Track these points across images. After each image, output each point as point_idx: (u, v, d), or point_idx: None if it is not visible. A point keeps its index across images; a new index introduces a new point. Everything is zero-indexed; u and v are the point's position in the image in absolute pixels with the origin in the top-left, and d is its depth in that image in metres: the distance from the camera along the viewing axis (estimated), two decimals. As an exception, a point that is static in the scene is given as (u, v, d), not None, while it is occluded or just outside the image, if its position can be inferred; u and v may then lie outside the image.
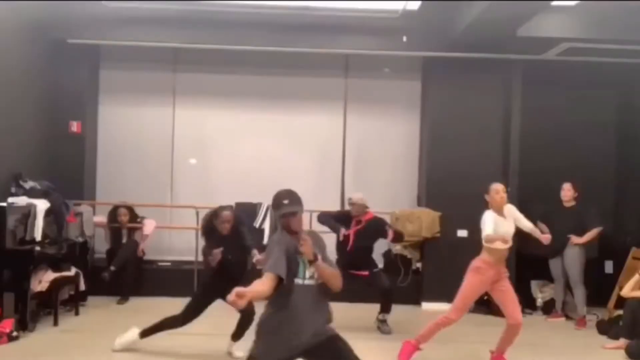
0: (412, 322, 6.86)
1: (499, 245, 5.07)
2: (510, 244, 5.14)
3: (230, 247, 5.38)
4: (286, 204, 3.52)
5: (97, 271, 7.36)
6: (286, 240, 3.51)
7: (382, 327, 6.60)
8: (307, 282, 3.49)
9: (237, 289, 3.12)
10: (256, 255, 5.39)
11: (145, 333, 5.50)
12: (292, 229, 3.55)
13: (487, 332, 6.71)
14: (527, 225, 5.36)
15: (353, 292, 7.34)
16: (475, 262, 5.23)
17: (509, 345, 5.26)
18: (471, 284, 5.22)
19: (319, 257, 3.49)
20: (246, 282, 5.20)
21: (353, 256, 6.49)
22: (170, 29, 7.84)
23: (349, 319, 6.95)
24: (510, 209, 5.27)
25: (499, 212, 5.15)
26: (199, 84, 8.70)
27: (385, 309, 6.63)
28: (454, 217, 7.88)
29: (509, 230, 5.14)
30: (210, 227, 5.49)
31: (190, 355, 5.49)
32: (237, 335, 5.52)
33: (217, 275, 5.40)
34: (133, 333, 5.53)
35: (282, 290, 3.40)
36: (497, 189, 5.20)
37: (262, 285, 3.33)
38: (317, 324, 3.55)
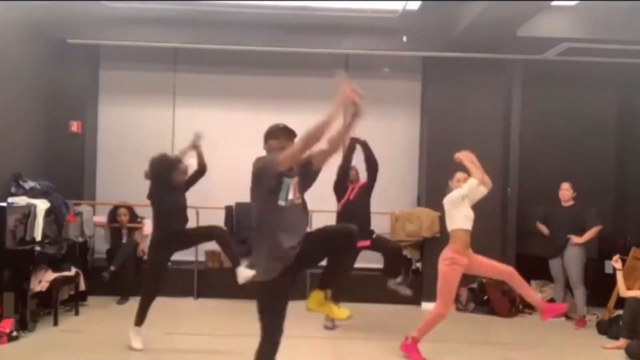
0: (412, 322, 6.86)
1: (463, 226, 5.35)
2: (469, 225, 5.40)
3: (179, 195, 5.76)
4: (283, 126, 3.75)
5: (97, 271, 7.36)
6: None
7: (401, 288, 6.51)
8: (288, 204, 3.57)
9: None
10: None
11: (137, 321, 5.56)
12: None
13: (487, 331, 6.73)
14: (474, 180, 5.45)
15: (354, 293, 7.38)
16: (447, 254, 5.40)
17: (532, 291, 5.56)
18: (450, 277, 5.41)
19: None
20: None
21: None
22: (170, 29, 7.84)
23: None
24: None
25: None
26: (199, 84, 8.70)
27: (396, 273, 6.50)
28: (454, 217, 7.88)
29: (469, 212, 5.41)
30: (163, 174, 5.67)
31: (190, 355, 5.48)
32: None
33: (164, 233, 5.61)
34: (133, 333, 5.53)
35: (271, 211, 3.53)
36: (459, 178, 5.53)
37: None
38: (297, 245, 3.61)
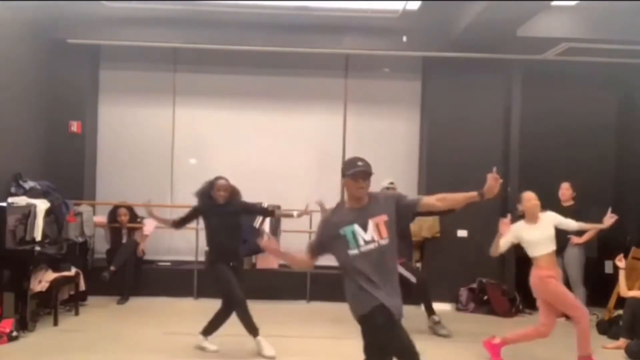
0: (412, 322, 6.86)
1: (540, 252, 5.30)
2: (550, 248, 5.33)
3: (224, 216, 5.55)
4: (360, 165, 3.49)
5: (97, 271, 7.36)
6: (337, 214, 3.57)
7: (438, 328, 6.44)
8: (363, 249, 3.42)
9: (272, 246, 3.65)
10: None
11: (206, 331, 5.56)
12: (357, 194, 3.48)
13: (487, 331, 6.73)
14: (572, 226, 5.60)
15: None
16: (540, 273, 5.33)
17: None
18: (554, 289, 5.30)
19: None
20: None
21: None
22: (170, 29, 7.85)
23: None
24: (548, 216, 5.43)
25: (531, 219, 5.35)
26: (199, 84, 8.70)
27: (428, 310, 6.55)
28: (454, 217, 7.83)
29: (539, 236, 5.31)
30: (206, 195, 5.60)
31: (190, 355, 5.47)
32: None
33: (216, 253, 5.55)
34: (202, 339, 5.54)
35: (343, 264, 3.51)
36: (528, 197, 5.39)
37: (300, 255, 3.70)
38: (388, 289, 3.46)
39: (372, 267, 3.41)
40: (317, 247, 3.61)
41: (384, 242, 3.45)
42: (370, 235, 3.43)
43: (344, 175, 3.51)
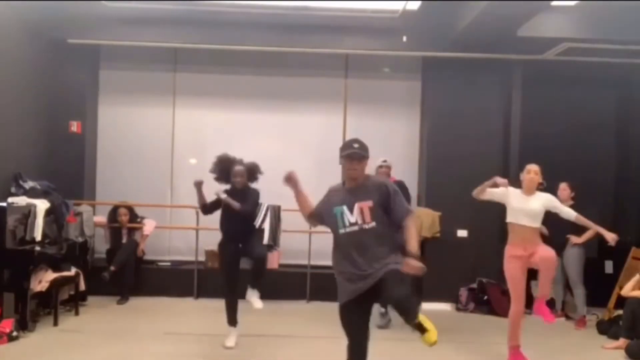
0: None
1: (516, 220, 5.23)
2: (533, 225, 5.23)
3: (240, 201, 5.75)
4: (355, 147, 3.75)
5: (97, 271, 7.36)
6: (335, 191, 3.91)
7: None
8: (348, 230, 3.68)
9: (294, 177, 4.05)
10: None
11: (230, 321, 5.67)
12: (350, 175, 3.78)
13: (487, 331, 6.73)
14: (569, 214, 5.39)
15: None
16: (508, 251, 5.34)
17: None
18: (507, 271, 5.36)
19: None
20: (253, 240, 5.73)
21: None
22: (170, 29, 7.85)
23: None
24: (544, 196, 5.34)
25: (527, 191, 5.31)
26: (199, 84, 8.70)
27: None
28: (454, 217, 7.88)
29: (528, 208, 5.23)
30: (226, 173, 5.82)
31: (190, 355, 5.48)
32: (253, 282, 5.68)
33: (225, 237, 5.70)
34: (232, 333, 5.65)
35: (333, 237, 3.80)
36: (528, 169, 5.39)
37: (309, 204, 4.05)
38: (367, 268, 3.62)
39: (354, 246, 3.64)
40: (317, 215, 3.96)
41: (368, 226, 3.65)
42: (354, 217, 3.67)
43: (340, 155, 3.81)
